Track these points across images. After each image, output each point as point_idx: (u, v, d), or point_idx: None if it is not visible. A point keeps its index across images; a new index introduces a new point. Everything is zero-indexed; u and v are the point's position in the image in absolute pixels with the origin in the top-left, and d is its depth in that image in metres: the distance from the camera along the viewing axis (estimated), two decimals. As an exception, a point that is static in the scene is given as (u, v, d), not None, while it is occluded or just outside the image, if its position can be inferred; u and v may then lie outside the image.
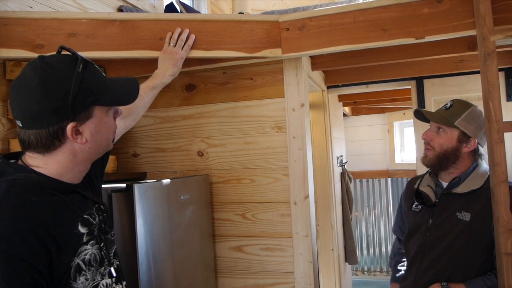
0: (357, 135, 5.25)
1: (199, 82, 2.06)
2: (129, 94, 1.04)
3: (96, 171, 1.16)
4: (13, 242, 0.79)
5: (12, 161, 0.97)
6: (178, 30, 1.60)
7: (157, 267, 1.51)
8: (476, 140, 1.58)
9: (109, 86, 0.98)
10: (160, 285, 1.52)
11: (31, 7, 1.80)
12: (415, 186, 1.71)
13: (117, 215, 1.44)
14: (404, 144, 5.12)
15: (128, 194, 1.42)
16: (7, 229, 0.80)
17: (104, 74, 1.01)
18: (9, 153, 1.03)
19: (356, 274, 5.21)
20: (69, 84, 0.89)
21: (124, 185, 1.43)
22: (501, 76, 2.51)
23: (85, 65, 0.93)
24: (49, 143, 0.91)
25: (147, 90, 1.51)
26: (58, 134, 0.91)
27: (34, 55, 1.51)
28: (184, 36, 1.60)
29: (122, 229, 1.43)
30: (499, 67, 1.49)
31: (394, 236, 2.01)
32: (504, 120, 1.43)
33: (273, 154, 1.94)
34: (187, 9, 2.69)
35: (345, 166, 3.68)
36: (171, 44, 1.59)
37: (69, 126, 0.90)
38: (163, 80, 1.56)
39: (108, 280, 1.00)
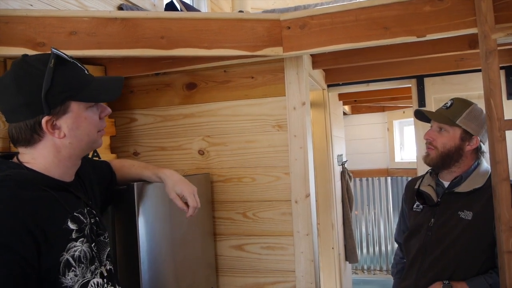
0: (357, 133, 5.25)
1: (199, 81, 2.05)
2: (109, 91, 1.04)
3: (92, 182, 1.19)
4: (2, 231, 0.82)
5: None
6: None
7: (159, 266, 1.51)
8: (479, 138, 1.58)
9: (89, 83, 1.00)
10: (161, 284, 1.52)
11: (31, 5, 1.79)
12: (416, 187, 1.71)
13: (118, 214, 1.43)
14: (404, 143, 5.12)
15: (128, 193, 1.41)
16: None
17: (86, 71, 1.02)
18: (7, 153, 1.05)
19: (356, 273, 5.22)
20: (41, 79, 0.92)
21: (124, 183, 1.43)
22: (502, 74, 2.51)
23: (60, 61, 0.95)
24: (29, 137, 0.95)
25: (139, 170, 1.41)
26: (36, 128, 0.94)
27: (35, 53, 1.50)
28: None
29: (123, 228, 1.43)
30: (499, 65, 1.49)
31: (394, 236, 2.00)
32: (505, 118, 1.44)
33: (274, 153, 1.93)
34: (187, 7, 2.69)
35: (345, 164, 3.68)
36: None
37: (44, 120, 0.93)
38: (158, 173, 1.37)
39: (100, 280, 1.02)
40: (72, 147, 0.99)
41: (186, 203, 1.34)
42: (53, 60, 0.93)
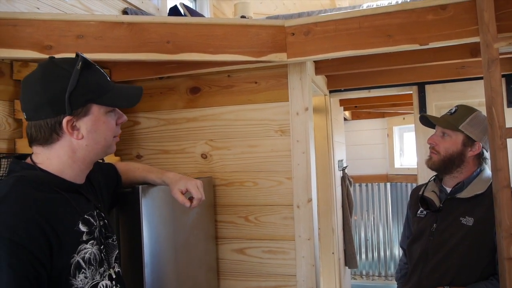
0: (357, 139, 5.26)
1: (203, 85, 2.07)
2: (129, 98, 1.08)
3: (100, 184, 1.22)
4: (17, 231, 0.83)
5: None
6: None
7: (162, 269, 1.52)
8: (481, 144, 1.60)
9: (111, 88, 1.03)
10: (164, 287, 1.53)
11: (38, 8, 1.81)
12: (420, 193, 1.73)
13: (122, 216, 1.45)
14: (403, 148, 5.14)
15: (133, 195, 1.43)
16: (11, 219, 0.84)
17: (109, 78, 1.05)
18: (20, 154, 1.07)
19: (355, 278, 5.21)
20: (67, 80, 0.94)
21: (129, 186, 1.44)
22: (502, 82, 2.53)
23: (86, 65, 0.98)
24: (48, 135, 0.97)
25: (144, 173, 1.43)
26: (56, 127, 0.96)
27: (43, 56, 1.52)
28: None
29: (128, 230, 1.44)
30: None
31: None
32: (506, 126, 1.45)
33: (276, 158, 1.95)
34: (191, 12, 2.71)
35: (346, 170, 3.69)
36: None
37: (65, 120, 0.96)
38: (162, 177, 1.39)
39: (108, 282, 1.03)
40: (88, 150, 1.01)
41: (190, 199, 1.34)
42: (80, 63, 0.96)
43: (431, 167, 1.69)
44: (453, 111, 1.67)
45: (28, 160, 1.00)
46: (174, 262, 1.61)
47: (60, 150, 0.98)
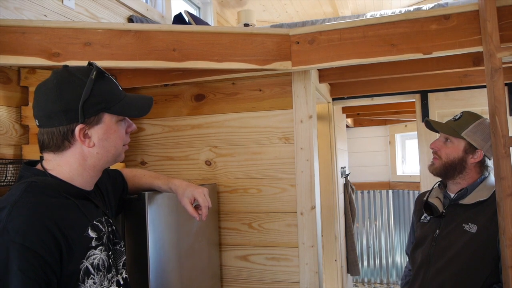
0: (359, 146, 5.27)
1: (208, 92, 2.09)
2: (140, 108, 1.10)
3: (108, 191, 1.23)
4: (28, 236, 0.84)
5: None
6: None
7: (167, 276, 1.52)
8: (483, 152, 1.60)
9: (122, 97, 1.05)
10: (168, 293, 1.53)
11: (45, 15, 1.84)
12: (424, 198, 1.73)
13: (128, 223, 1.45)
14: (405, 156, 5.14)
15: (139, 202, 1.44)
16: (23, 224, 0.85)
17: (120, 88, 1.07)
18: (30, 160, 1.08)
19: (356, 286, 5.20)
20: (81, 89, 0.96)
21: (135, 193, 1.45)
22: (505, 91, 2.54)
23: (100, 75, 1.00)
24: (60, 143, 0.98)
25: (150, 180, 1.43)
26: (68, 135, 0.97)
27: (50, 63, 1.54)
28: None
29: (133, 237, 1.45)
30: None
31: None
32: (510, 135, 1.46)
33: (280, 165, 1.96)
34: (196, 20, 2.74)
35: (348, 177, 3.70)
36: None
37: (78, 128, 0.97)
38: (168, 183, 1.40)
39: None
40: (98, 157, 1.02)
41: (197, 209, 1.35)
42: (95, 73, 0.98)
43: (433, 172, 1.70)
44: (457, 117, 1.67)
45: (39, 167, 1.01)
46: (179, 269, 1.62)
47: (71, 158, 1.00)
